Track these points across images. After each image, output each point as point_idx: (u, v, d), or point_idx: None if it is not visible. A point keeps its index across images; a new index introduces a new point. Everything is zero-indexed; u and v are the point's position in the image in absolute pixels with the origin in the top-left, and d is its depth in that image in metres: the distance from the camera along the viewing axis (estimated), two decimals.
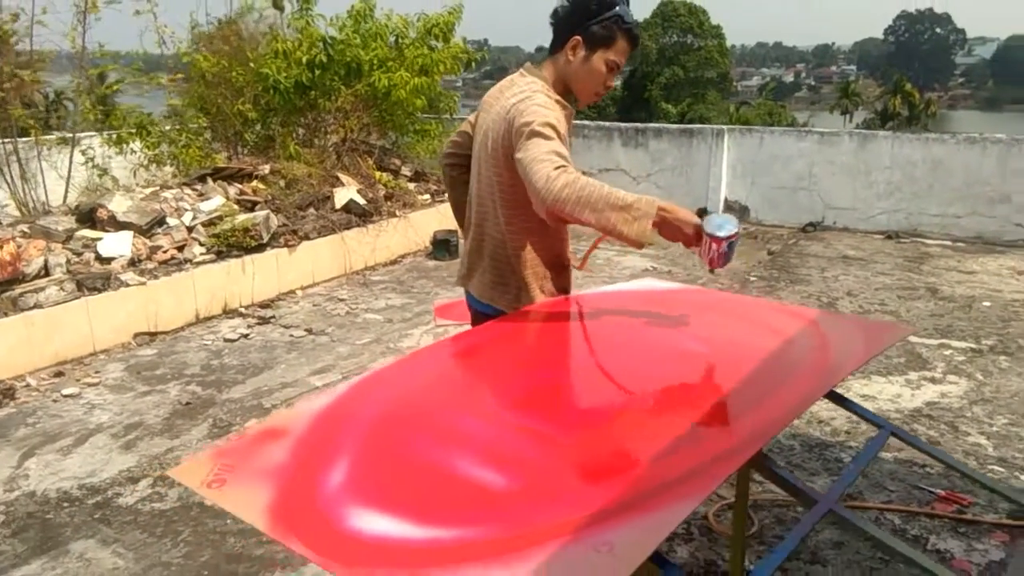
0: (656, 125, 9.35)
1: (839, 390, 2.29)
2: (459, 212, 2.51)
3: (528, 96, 2.04)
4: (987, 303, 5.58)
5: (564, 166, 1.87)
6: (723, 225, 1.87)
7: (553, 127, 1.94)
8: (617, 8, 2.05)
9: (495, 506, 1.39)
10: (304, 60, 6.90)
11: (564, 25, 2.11)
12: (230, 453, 1.60)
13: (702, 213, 1.95)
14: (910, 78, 60.31)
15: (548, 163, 1.86)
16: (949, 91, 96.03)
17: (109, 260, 5.18)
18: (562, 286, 2.30)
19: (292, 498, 1.44)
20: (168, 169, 7.50)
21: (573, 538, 1.25)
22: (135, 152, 7.48)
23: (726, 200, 8.36)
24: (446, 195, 3.10)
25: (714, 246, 1.87)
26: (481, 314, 2.32)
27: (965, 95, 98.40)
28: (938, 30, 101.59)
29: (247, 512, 1.42)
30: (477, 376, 1.94)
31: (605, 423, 1.67)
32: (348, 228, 6.47)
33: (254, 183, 6.51)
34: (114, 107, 9.08)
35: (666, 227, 1.89)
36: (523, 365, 1.96)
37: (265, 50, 7.18)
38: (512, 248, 2.19)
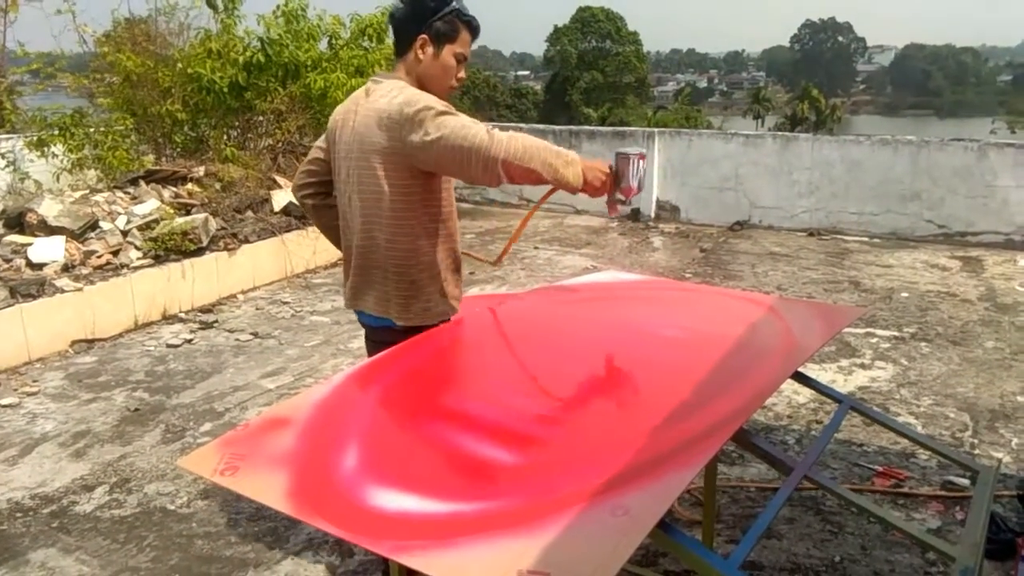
0: (589, 128, 9.56)
1: None
2: (333, 236, 2.43)
3: (402, 89, 2.04)
4: (905, 294, 5.94)
5: (489, 129, 1.96)
6: (634, 147, 2.17)
7: (451, 109, 2.00)
8: (454, 3, 2.08)
9: (511, 479, 1.46)
10: (241, 60, 6.78)
11: (406, 26, 2.10)
12: (237, 442, 1.62)
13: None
14: (816, 84, 62.92)
15: (478, 127, 1.95)
16: (852, 97, 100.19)
17: (41, 266, 5.00)
18: (460, 288, 2.25)
19: (310, 481, 1.47)
20: (92, 173, 7.24)
21: (590, 504, 1.32)
22: (56, 156, 7.20)
23: (658, 200, 8.61)
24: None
25: (641, 163, 2.12)
26: (378, 329, 2.21)
27: (867, 101, 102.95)
28: (840, 38, 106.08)
29: (266, 496, 1.45)
30: (471, 362, 2.01)
31: (604, 402, 1.76)
32: (288, 231, 6.39)
33: (189, 186, 6.37)
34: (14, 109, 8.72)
35: (587, 173, 2.04)
36: (515, 351, 2.04)
37: (198, 50, 7.01)
38: (411, 254, 2.10)
